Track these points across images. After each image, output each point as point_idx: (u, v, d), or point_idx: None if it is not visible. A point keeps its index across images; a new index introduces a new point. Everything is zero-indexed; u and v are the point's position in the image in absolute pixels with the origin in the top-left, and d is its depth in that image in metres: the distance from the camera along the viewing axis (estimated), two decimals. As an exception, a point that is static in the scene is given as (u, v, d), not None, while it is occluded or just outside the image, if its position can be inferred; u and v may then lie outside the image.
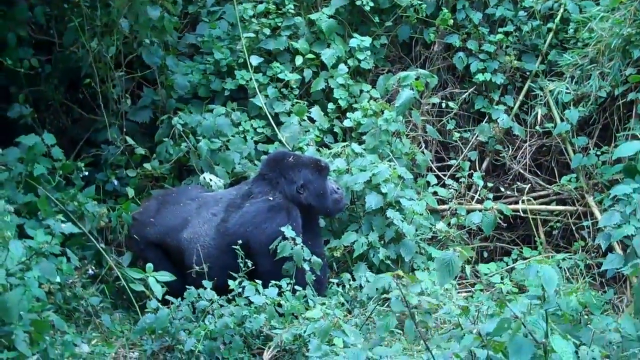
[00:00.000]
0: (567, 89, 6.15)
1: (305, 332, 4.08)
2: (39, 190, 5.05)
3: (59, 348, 4.09)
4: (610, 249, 5.39)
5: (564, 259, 5.61)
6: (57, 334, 4.30)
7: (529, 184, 6.33)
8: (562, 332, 3.60)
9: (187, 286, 4.55)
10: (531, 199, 6.19)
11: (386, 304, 4.69)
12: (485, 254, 6.20)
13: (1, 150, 5.06)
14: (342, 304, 4.76)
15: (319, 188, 5.05)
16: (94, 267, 4.99)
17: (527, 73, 6.50)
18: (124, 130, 5.94)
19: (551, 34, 6.43)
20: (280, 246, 4.68)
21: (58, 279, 4.41)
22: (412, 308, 3.59)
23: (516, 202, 6.30)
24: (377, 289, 4.46)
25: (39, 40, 6.16)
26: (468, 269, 5.79)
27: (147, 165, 5.77)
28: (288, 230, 4.70)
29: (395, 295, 3.54)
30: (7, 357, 3.69)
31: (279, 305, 4.40)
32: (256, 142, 6.05)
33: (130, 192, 5.45)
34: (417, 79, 5.95)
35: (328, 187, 5.10)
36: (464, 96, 6.56)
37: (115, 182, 5.66)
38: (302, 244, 4.71)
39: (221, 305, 4.38)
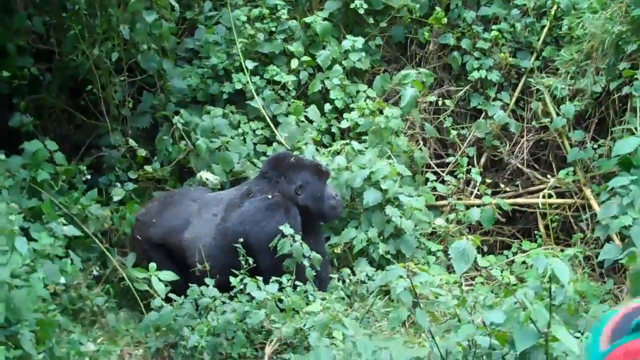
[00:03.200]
0: (563, 85, 6.22)
1: (305, 325, 4.14)
2: (43, 195, 5.13)
3: (65, 347, 4.15)
4: (608, 240, 5.46)
5: (562, 252, 5.65)
6: (63, 334, 4.38)
7: (527, 178, 6.41)
8: (561, 321, 3.66)
9: (189, 284, 4.61)
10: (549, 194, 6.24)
11: (386, 297, 4.79)
12: (486, 248, 6.26)
13: (5, 157, 5.13)
14: (343, 299, 4.81)
15: (317, 191, 5.09)
16: (98, 268, 5.07)
17: (522, 70, 6.58)
18: (127, 133, 6.03)
19: (545, 31, 6.51)
20: (280, 243, 4.73)
21: (63, 280, 4.50)
22: (420, 298, 3.63)
23: (515, 197, 6.38)
24: (375, 280, 4.53)
25: (38, 49, 6.25)
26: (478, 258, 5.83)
27: (147, 167, 5.85)
28: (286, 228, 4.75)
29: (404, 286, 3.58)
30: (13, 355, 3.74)
31: (280, 300, 4.46)
32: (255, 144, 6.14)
33: (128, 186, 5.55)
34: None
35: (326, 192, 5.13)
36: (460, 94, 6.64)
37: (118, 184, 5.72)
38: (301, 241, 4.77)
39: (223, 302, 4.44)
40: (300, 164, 5.14)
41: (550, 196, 6.16)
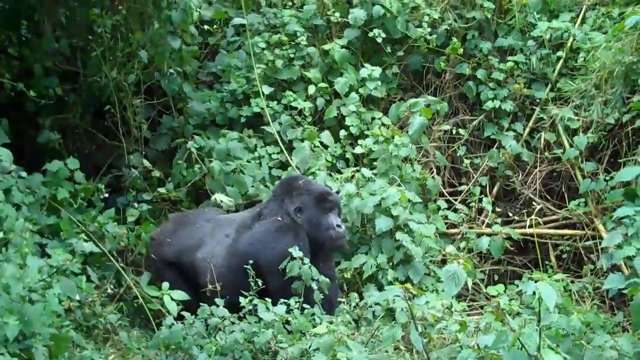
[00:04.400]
0: (574, 115, 6.29)
1: (310, 347, 4.22)
2: (62, 213, 5.29)
3: (77, 363, 4.27)
4: (617, 269, 5.50)
5: (563, 279, 5.69)
6: (76, 350, 4.49)
7: (540, 207, 6.45)
8: (563, 349, 3.72)
9: (200, 304, 4.71)
10: (540, 221, 6.29)
11: (393, 322, 4.86)
12: (496, 277, 6.31)
13: (27, 175, 5.29)
14: (350, 322, 4.89)
15: (314, 217, 5.13)
16: (113, 286, 5.20)
17: (537, 100, 6.66)
18: (143, 154, 6.19)
19: (560, 62, 6.59)
20: (289, 266, 4.83)
21: (78, 297, 4.63)
22: (416, 319, 3.71)
23: (528, 227, 6.44)
24: (381, 305, 4.61)
25: (64, 70, 6.45)
26: (470, 279, 5.85)
27: (161, 189, 6.00)
28: (295, 251, 4.84)
29: (401, 306, 3.65)
30: (26, 369, 3.86)
31: (287, 322, 4.54)
32: (271, 168, 6.28)
33: (142, 207, 5.70)
34: (427, 106, 6.16)
35: (326, 220, 5.14)
36: (474, 123, 6.74)
37: (135, 205, 5.87)
38: (310, 264, 4.85)
39: (232, 322, 4.54)
40: (306, 187, 5.23)
41: (538, 224, 6.21)
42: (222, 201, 5.72)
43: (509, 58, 6.71)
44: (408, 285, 3.47)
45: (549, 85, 6.64)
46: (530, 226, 6.26)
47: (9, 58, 6.43)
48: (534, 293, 3.21)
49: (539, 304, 3.22)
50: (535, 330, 3.25)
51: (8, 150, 4.63)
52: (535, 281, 5.97)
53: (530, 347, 3.24)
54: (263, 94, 6.43)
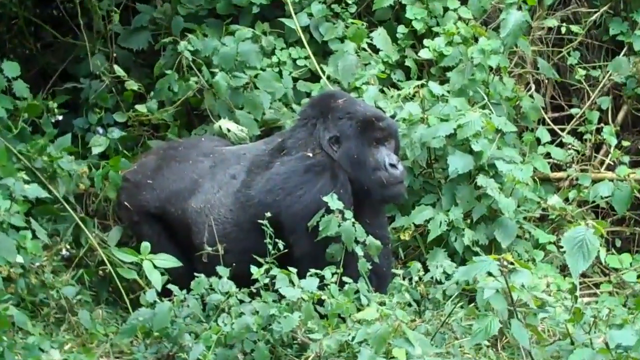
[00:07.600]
0: None
1: (354, 339, 4.20)
2: (-3, 141, 5.29)
3: (19, 353, 4.28)
4: None
5: None
6: (17, 335, 4.53)
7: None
8: None
9: (195, 274, 4.70)
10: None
11: (471, 304, 4.84)
12: (619, 243, 6.27)
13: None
14: (409, 304, 4.88)
15: (355, 151, 5.07)
16: (69, 247, 5.20)
17: (687, -16, 6.56)
18: (113, 58, 6.13)
19: None
20: (323, 222, 4.79)
21: (21, 260, 4.63)
22: (518, 306, 3.67)
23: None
24: (458, 282, 4.58)
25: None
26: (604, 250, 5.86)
27: (140, 107, 5.96)
28: (333, 200, 4.80)
29: (496, 286, 3.60)
30: (-49, 362, 3.89)
31: (320, 302, 4.52)
32: (295, 80, 6.21)
33: (114, 133, 5.67)
34: (528, -7, 6.06)
35: (374, 157, 5.08)
36: (593, 18, 6.63)
37: (101, 130, 5.84)
38: (353, 220, 4.81)
39: (241, 301, 4.53)
40: (346, 109, 5.14)
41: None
42: (229, 130, 5.67)
43: None
44: (508, 255, 3.41)
45: None
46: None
47: None
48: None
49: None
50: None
51: None
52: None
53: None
54: (288, -29, 6.35)
